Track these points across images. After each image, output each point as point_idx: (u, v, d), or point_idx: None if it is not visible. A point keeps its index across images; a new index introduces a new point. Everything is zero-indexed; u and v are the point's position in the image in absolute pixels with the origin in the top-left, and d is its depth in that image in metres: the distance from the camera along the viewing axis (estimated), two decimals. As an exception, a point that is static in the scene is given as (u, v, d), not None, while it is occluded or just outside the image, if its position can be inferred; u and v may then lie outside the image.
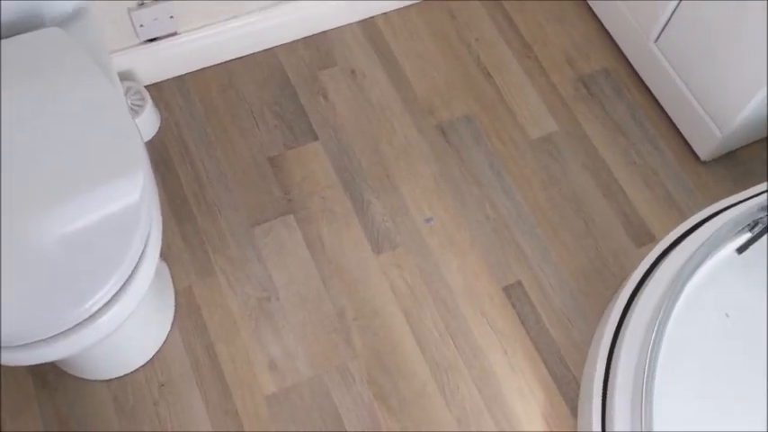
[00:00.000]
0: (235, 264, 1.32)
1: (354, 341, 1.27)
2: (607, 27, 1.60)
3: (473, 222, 1.39)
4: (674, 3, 1.39)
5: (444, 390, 1.24)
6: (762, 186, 1.36)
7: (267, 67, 1.52)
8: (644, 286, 1.28)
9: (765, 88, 1.28)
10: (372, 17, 1.59)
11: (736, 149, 1.50)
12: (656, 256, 1.32)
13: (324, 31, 1.56)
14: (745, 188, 1.37)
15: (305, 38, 1.55)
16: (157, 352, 1.25)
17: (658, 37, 1.46)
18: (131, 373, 1.23)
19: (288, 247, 1.34)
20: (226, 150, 1.43)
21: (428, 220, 1.39)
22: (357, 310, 1.30)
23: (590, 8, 1.63)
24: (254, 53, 1.52)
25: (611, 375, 1.21)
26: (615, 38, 1.59)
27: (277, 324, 1.28)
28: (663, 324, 1.19)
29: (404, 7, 1.60)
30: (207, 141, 1.43)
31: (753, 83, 1.29)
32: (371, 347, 1.27)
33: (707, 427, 1.14)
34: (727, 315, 1.24)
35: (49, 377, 1.21)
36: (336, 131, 1.46)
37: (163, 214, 1.36)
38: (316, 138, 1.45)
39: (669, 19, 1.42)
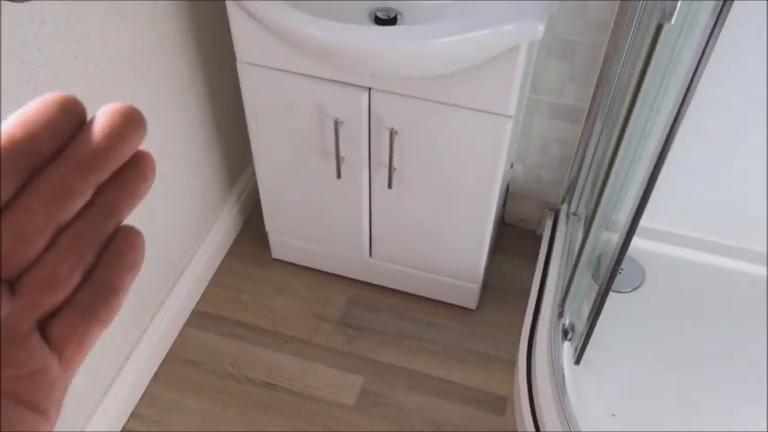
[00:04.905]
0: None
1: None
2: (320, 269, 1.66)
3: None
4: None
5: None
6: (534, 296, 1.51)
7: None
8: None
9: (487, 234, 1.42)
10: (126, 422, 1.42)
11: (494, 280, 1.64)
12: (528, 415, 1.37)
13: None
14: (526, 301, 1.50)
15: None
16: None
17: (371, 252, 1.55)
18: None
19: None
20: None
21: None
22: None
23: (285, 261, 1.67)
24: None
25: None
26: (333, 271, 1.65)
27: None
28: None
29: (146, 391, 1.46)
30: None
31: (474, 235, 1.43)
32: None
33: None
34: (613, 415, 1.34)
35: None
36: None
37: None
38: None
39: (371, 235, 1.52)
